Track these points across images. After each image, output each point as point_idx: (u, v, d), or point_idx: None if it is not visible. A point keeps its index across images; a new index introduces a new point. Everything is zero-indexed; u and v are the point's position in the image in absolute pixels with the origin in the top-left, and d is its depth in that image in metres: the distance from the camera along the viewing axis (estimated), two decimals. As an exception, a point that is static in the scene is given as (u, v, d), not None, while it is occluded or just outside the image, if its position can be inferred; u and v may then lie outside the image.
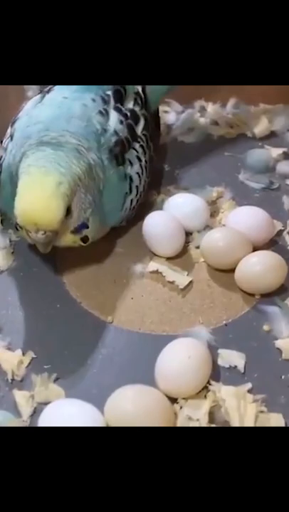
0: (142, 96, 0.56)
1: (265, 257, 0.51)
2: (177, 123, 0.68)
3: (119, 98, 0.54)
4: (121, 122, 0.53)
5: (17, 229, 0.50)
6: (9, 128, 0.55)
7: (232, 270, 0.52)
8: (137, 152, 0.54)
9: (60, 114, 0.51)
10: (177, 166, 0.63)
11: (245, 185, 0.61)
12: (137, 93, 0.56)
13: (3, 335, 0.48)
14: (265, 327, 0.49)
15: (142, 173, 0.55)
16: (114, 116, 0.53)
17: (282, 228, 0.57)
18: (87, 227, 0.49)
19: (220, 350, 0.47)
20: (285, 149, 0.64)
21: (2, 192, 0.52)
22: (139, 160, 0.54)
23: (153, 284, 0.52)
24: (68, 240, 0.49)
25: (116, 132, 0.52)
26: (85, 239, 0.50)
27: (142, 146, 0.55)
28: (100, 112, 0.52)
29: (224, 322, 0.49)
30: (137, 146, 0.54)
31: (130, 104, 0.55)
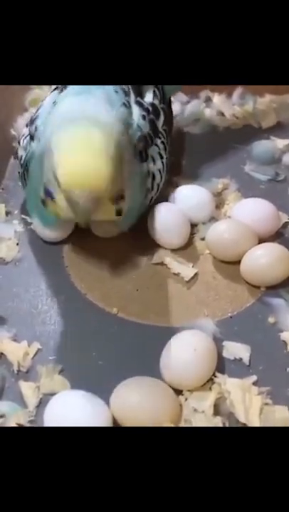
0: (160, 88, 0.55)
1: (270, 249, 0.51)
2: (182, 114, 0.68)
3: (139, 91, 0.53)
4: (143, 117, 0.52)
5: (44, 204, 0.47)
6: (27, 127, 0.54)
7: (237, 262, 0.52)
8: (159, 148, 0.53)
9: (87, 102, 0.48)
10: (182, 158, 0.63)
11: (250, 176, 0.61)
12: (157, 87, 0.54)
13: (8, 326, 0.48)
14: (271, 319, 0.49)
15: (163, 170, 0.54)
16: (136, 111, 0.51)
17: (288, 220, 0.57)
18: (123, 198, 0.46)
19: (225, 343, 0.47)
20: (291, 140, 0.64)
21: (35, 193, 0.50)
22: (161, 157, 0.53)
23: (158, 275, 0.52)
24: (106, 210, 0.46)
25: (139, 127, 0.51)
26: (119, 211, 0.47)
27: (162, 142, 0.53)
28: (124, 104, 0.51)
29: (229, 314, 0.49)
30: (158, 142, 0.53)
31: (150, 98, 0.54)
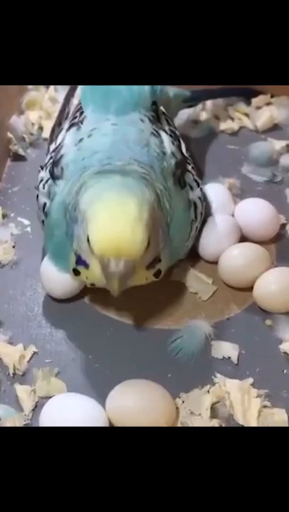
0: (167, 114, 0.54)
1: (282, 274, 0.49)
2: (179, 116, 0.67)
3: (158, 119, 0.51)
4: (173, 143, 0.50)
5: (76, 272, 0.45)
6: (44, 170, 0.50)
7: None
8: (193, 175, 0.51)
9: (117, 141, 0.47)
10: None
11: (248, 178, 0.61)
12: (164, 113, 0.53)
13: (4, 329, 0.48)
14: (267, 322, 0.49)
15: (202, 198, 0.51)
16: (165, 138, 0.50)
17: (285, 222, 0.56)
18: (160, 261, 0.45)
19: (221, 344, 0.47)
20: (288, 142, 0.64)
21: (53, 237, 0.48)
22: (197, 183, 0.51)
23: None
24: (141, 276, 0.44)
25: (173, 154, 0.49)
26: (157, 273, 0.45)
27: (193, 167, 0.52)
28: (153, 134, 0.49)
29: (226, 316, 0.49)
30: (189, 168, 0.51)
31: (166, 125, 0.52)
